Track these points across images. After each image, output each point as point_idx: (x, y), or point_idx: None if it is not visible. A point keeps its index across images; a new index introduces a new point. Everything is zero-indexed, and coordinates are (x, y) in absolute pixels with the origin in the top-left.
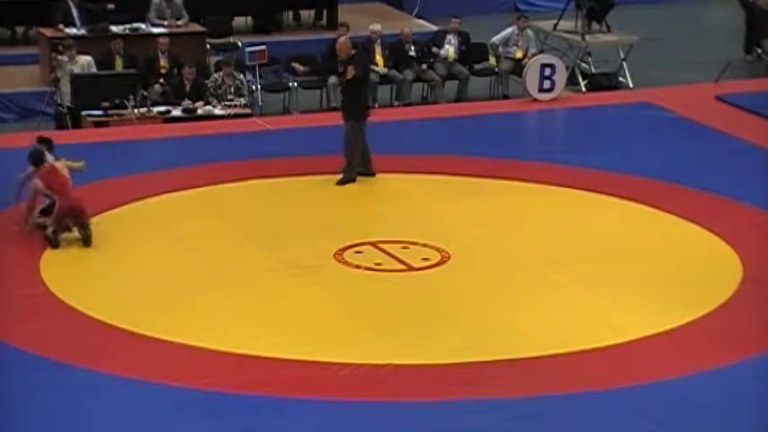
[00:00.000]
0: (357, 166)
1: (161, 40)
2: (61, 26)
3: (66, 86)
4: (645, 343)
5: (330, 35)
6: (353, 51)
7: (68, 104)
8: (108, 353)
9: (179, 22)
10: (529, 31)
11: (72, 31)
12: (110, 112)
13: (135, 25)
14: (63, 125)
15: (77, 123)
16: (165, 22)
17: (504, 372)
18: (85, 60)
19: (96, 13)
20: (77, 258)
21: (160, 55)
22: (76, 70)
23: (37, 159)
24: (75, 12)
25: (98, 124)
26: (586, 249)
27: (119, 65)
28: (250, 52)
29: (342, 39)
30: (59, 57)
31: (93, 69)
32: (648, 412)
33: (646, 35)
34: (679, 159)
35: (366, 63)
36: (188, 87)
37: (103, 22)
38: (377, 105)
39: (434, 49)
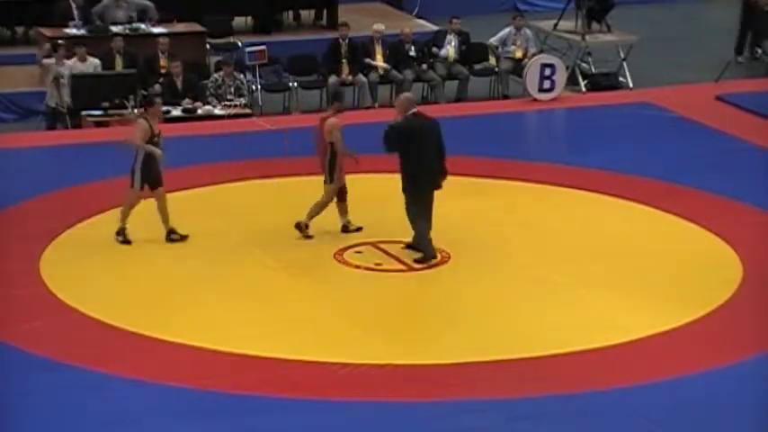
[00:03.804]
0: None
1: (161, 40)
2: (68, 28)
3: (53, 88)
4: (645, 343)
5: (330, 35)
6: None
7: (52, 105)
8: (108, 353)
9: (143, 26)
10: (527, 31)
11: (72, 31)
12: (110, 112)
13: (135, 25)
14: (52, 126)
15: (77, 123)
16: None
17: (504, 372)
18: (92, 62)
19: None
20: (77, 258)
21: (160, 55)
22: (66, 72)
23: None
24: (75, 12)
25: (98, 124)
26: (586, 249)
27: (119, 65)
28: (250, 52)
29: (405, 95)
30: (44, 60)
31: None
32: (648, 412)
33: (646, 35)
34: (679, 159)
35: (408, 131)
36: (179, 84)
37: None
38: (377, 105)
39: (434, 49)
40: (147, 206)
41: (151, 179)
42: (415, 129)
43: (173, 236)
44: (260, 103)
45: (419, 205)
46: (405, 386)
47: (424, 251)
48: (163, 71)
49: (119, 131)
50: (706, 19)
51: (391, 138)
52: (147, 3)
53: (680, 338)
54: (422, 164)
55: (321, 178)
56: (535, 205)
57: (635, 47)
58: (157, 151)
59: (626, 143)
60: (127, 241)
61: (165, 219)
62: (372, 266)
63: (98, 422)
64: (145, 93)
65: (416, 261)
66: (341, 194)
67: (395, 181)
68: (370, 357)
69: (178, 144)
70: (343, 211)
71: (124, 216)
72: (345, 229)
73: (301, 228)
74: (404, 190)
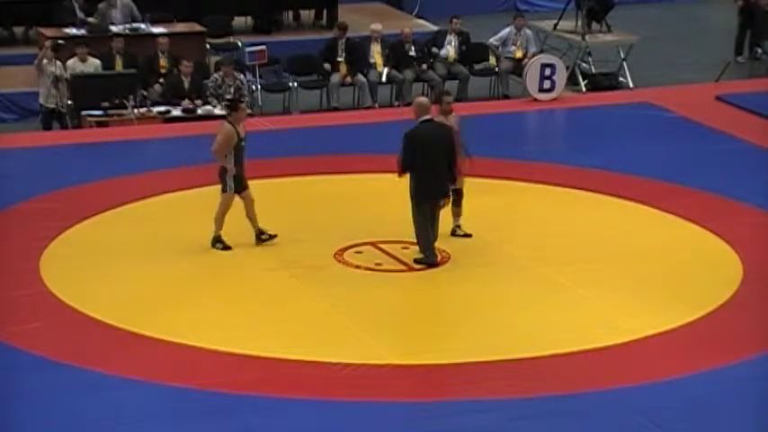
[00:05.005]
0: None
1: (161, 40)
2: (68, 28)
3: (52, 88)
4: (645, 343)
5: (330, 35)
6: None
7: (52, 105)
8: (108, 353)
9: (143, 26)
10: (527, 31)
11: (72, 31)
12: (110, 112)
13: (135, 25)
14: (48, 126)
15: (77, 123)
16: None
17: (504, 372)
18: (92, 62)
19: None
20: (77, 258)
21: (160, 55)
22: (57, 72)
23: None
24: (78, 12)
25: (98, 124)
26: (586, 249)
27: (119, 65)
28: (250, 52)
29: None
30: (36, 61)
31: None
32: (648, 412)
33: (646, 35)
34: (679, 159)
35: (417, 139)
36: (187, 84)
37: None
38: (377, 105)
39: (434, 49)
40: (147, 207)
41: (241, 184)
42: (424, 137)
43: (262, 236)
44: (260, 103)
45: (425, 213)
46: (405, 386)
47: (426, 257)
48: (163, 71)
49: (119, 131)
50: (706, 19)
51: (405, 144)
52: (135, 11)
53: (680, 338)
54: (429, 173)
55: (321, 178)
56: (535, 205)
57: (635, 47)
58: (229, 166)
59: (626, 143)
60: (227, 247)
61: (254, 220)
62: (372, 266)
63: (98, 422)
64: (145, 94)
65: (416, 261)
66: (457, 198)
67: (396, 181)
68: (370, 357)
69: (178, 144)
70: (456, 214)
71: (219, 223)
72: (453, 232)
73: (455, 232)
74: (412, 196)
